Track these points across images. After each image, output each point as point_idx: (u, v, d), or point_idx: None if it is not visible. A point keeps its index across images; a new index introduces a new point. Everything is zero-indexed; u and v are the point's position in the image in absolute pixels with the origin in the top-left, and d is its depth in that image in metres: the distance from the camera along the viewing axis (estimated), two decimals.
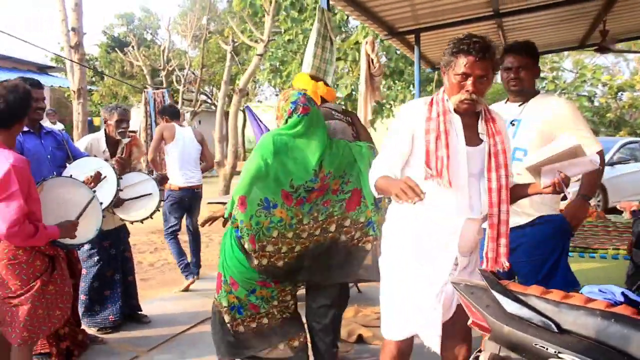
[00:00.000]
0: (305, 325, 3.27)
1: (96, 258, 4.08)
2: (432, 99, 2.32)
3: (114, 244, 4.17)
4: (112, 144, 4.15)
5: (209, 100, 24.64)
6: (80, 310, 4.03)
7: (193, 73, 20.56)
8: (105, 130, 4.17)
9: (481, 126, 2.31)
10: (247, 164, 3.01)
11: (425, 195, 1.97)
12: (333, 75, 4.05)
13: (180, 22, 23.04)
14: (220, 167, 10.91)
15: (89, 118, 20.11)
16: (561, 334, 1.82)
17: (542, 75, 17.56)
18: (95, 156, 3.91)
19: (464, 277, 2.26)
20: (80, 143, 4.14)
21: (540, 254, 2.81)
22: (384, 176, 2.24)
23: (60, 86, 16.32)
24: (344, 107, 3.58)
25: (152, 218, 4.09)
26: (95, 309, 4.12)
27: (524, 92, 2.92)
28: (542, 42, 7.21)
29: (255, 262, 2.96)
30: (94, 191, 3.30)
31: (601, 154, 2.74)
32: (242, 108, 13.43)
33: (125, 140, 4.15)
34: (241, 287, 3.02)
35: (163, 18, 20.44)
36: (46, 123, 10.87)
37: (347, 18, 12.97)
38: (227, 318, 3.06)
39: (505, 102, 3.07)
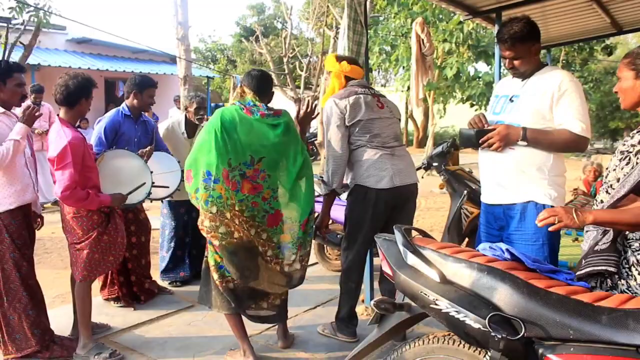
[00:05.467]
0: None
1: (173, 223, 4.77)
2: None
3: (187, 212, 4.79)
4: (191, 126, 4.79)
5: None
6: (162, 265, 4.80)
7: (317, 58, 21.28)
8: (185, 115, 4.83)
9: None
10: (198, 138, 3.13)
11: None
12: (365, 54, 4.26)
13: (303, 10, 23.91)
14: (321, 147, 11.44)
15: (221, 103, 22.06)
16: (443, 283, 1.98)
17: None
18: (172, 150, 4.53)
19: None
20: (163, 124, 4.85)
21: None
22: None
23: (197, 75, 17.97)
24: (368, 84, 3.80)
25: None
26: (169, 266, 4.82)
27: (524, 72, 2.91)
28: None
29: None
30: (151, 172, 3.82)
31: (580, 138, 2.75)
32: None
33: (203, 124, 4.70)
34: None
35: (293, 8, 21.20)
36: (173, 109, 12.32)
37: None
38: (215, 276, 3.18)
39: (512, 77, 3.09)
